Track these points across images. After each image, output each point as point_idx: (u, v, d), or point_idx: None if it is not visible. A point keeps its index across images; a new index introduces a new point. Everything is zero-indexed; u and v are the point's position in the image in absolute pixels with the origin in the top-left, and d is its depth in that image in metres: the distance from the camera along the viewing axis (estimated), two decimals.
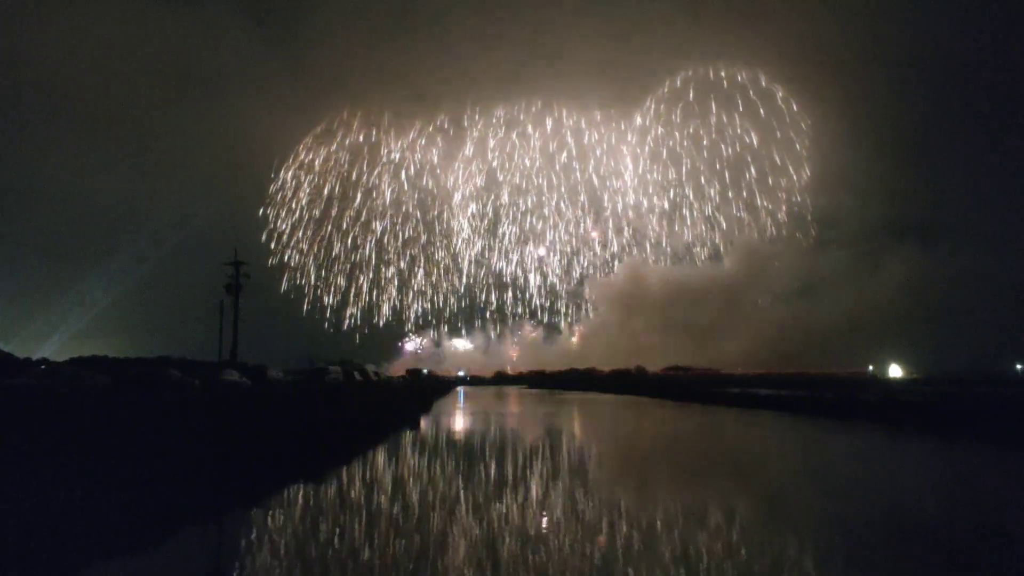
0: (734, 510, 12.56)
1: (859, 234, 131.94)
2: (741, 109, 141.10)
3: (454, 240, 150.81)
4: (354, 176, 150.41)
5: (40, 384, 31.06)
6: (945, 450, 22.40)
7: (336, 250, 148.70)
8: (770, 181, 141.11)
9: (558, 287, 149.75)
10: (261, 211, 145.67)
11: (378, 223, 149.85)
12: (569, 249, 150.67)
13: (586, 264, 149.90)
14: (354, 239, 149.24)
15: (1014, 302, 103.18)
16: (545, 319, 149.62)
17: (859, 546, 9.90)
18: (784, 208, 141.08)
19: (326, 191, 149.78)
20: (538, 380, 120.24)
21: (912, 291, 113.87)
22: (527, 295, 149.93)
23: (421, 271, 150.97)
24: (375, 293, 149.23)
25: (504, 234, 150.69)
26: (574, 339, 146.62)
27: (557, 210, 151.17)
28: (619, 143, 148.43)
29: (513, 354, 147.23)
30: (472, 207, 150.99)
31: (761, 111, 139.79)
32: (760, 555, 9.46)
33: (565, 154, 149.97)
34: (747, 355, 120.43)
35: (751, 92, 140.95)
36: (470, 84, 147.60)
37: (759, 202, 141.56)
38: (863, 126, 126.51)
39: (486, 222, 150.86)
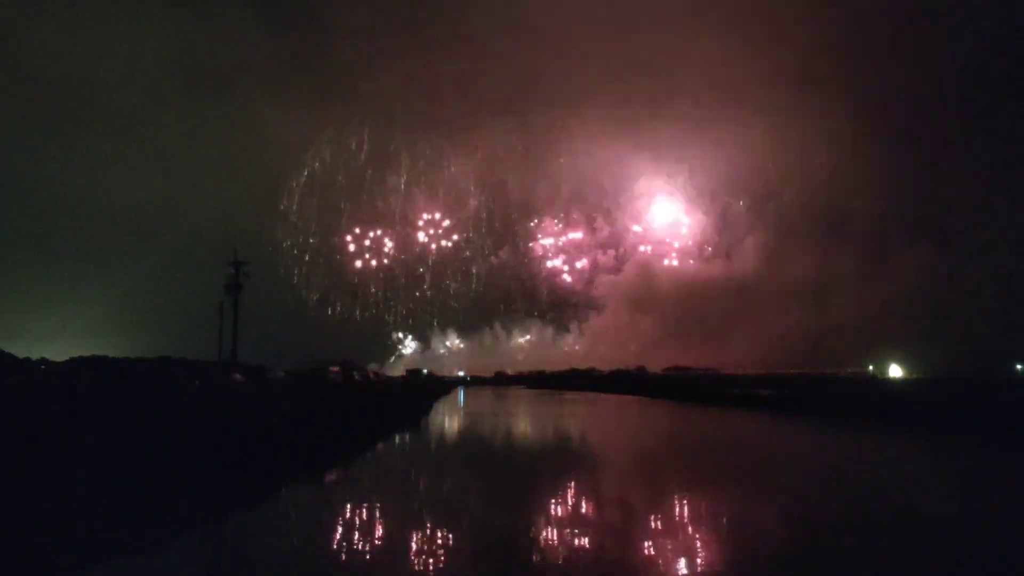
0: (725, 501, 12.60)
1: (860, 235, 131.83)
2: (755, 116, 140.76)
3: (463, 247, 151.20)
4: (362, 186, 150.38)
5: (40, 384, 31.11)
6: (944, 450, 22.45)
7: (344, 260, 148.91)
8: (780, 188, 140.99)
9: (564, 290, 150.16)
10: (268, 223, 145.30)
11: (388, 232, 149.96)
12: (577, 252, 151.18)
13: (593, 266, 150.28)
14: (362, 248, 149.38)
15: (1015, 302, 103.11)
16: (551, 320, 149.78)
17: (842, 543, 9.93)
18: (791, 211, 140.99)
19: (333, 201, 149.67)
20: (538, 380, 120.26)
21: (912, 291, 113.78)
22: (535, 300, 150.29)
23: (429, 275, 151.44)
24: (381, 299, 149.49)
25: (513, 240, 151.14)
26: (576, 339, 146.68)
27: (567, 215, 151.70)
28: (631, 153, 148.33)
29: (514, 354, 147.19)
30: (483, 215, 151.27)
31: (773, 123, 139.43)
32: (733, 542, 9.50)
33: (575, 161, 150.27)
34: (748, 356, 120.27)
35: (764, 100, 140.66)
36: (484, 90, 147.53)
37: (768, 205, 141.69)
38: (873, 126, 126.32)
39: (495, 231, 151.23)
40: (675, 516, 12.21)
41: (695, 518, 12.06)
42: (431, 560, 9.22)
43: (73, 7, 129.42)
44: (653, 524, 11.57)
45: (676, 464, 20.05)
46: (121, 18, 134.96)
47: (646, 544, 10.14)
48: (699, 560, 9.18)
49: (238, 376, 43.82)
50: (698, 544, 10.09)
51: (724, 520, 11.85)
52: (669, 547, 9.87)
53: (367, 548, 9.95)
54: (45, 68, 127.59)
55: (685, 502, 13.47)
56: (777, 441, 26.27)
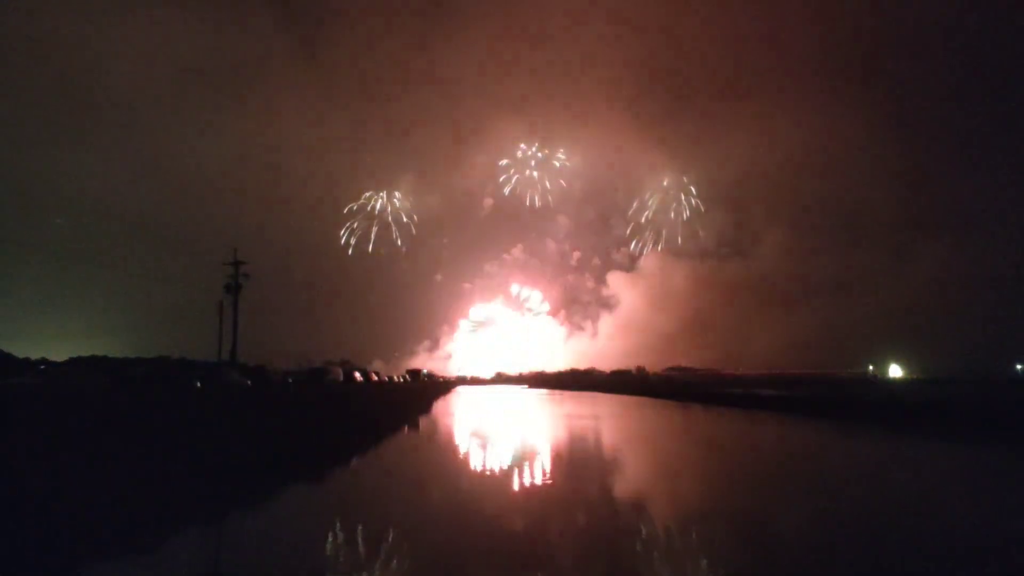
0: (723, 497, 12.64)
1: (860, 236, 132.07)
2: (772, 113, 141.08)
3: (472, 250, 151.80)
4: (370, 188, 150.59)
5: (39, 384, 31.14)
6: (942, 449, 22.48)
7: (349, 265, 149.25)
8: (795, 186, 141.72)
9: (574, 287, 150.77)
10: (271, 223, 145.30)
11: (397, 237, 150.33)
12: (587, 250, 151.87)
13: (602, 263, 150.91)
14: (367, 253, 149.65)
15: (1014, 302, 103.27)
16: (558, 320, 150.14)
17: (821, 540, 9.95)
18: (806, 210, 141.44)
19: (339, 203, 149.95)
20: (538, 381, 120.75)
21: (913, 291, 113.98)
22: (545, 298, 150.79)
23: (439, 275, 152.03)
24: (386, 300, 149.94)
25: (523, 239, 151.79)
26: (582, 339, 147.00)
27: (579, 215, 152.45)
28: (644, 161, 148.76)
29: (518, 354, 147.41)
30: (497, 217, 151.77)
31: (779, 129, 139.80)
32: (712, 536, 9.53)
33: (586, 164, 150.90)
34: (749, 356, 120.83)
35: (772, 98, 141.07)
36: (495, 90, 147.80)
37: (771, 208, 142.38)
38: (877, 125, 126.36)
39: (506, 232, 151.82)
40: (646, 512, 12.25)
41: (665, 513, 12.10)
42: (429, 558, 9.25)
43: (78, 6, 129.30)
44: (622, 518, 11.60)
45: (652, 455, 20.10)
46: (125, 17, 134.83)
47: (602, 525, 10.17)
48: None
49: (238, 376, 43.82)
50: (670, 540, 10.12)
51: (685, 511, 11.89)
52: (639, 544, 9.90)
53: (365, 547, 9.97)
54: (47, 67, 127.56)
55: (651, 494, 13.53)
56: (760, 438, 26.32)
